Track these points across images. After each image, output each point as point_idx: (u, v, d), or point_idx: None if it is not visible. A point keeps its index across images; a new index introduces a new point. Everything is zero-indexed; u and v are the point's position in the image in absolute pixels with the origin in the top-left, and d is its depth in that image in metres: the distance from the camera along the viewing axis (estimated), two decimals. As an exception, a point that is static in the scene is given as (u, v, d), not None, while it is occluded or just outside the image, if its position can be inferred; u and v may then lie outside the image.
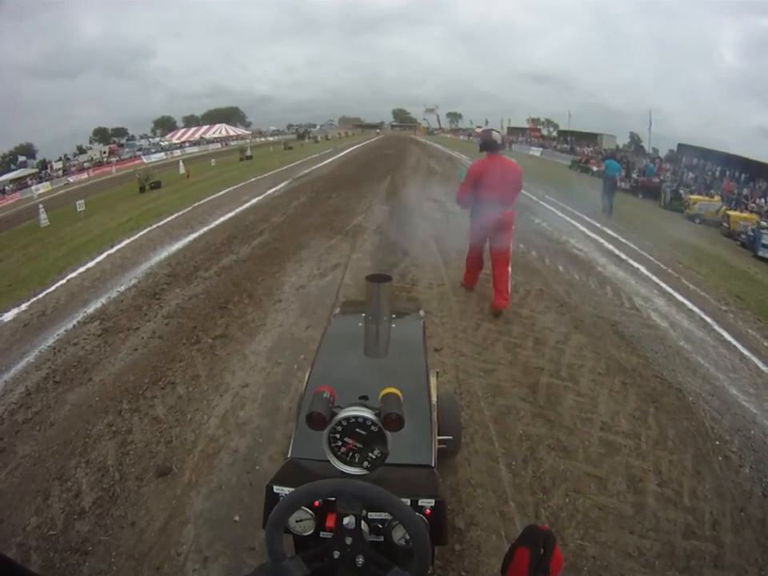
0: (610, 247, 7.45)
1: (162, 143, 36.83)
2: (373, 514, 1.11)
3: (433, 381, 1.91)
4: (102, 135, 36.91)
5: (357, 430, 1.11)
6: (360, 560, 0.99)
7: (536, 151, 30.81)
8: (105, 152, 34.66)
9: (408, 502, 1.12)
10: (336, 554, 1.00)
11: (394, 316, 2.23)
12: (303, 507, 1.12)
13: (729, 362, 4.01)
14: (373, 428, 1.10)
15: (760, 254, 8.42)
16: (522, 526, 1.03)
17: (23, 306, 5.41)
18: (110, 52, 43.24)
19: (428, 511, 1.15)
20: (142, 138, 38.15)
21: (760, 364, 3.99)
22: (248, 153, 25.02)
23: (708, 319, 4.86)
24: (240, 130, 41.91)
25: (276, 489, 1.23)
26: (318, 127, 45.20)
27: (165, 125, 40.23)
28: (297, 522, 1.15)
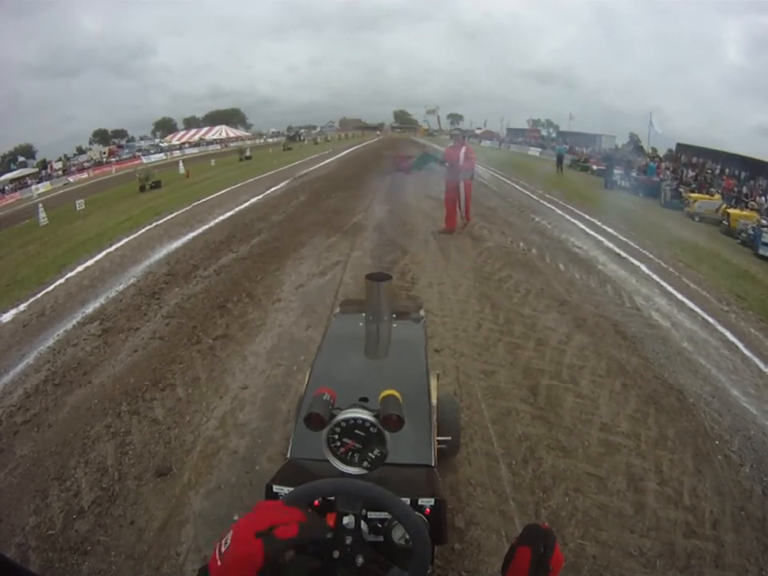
0: (611, 246, 7.48)
1: (161, 144, 36.78)
2: (372, 513, 1.10)
3: (433, 382, 1.90)
4: (101, 137, 36.88)
5: (356, 431, 1.10)
6: (360, 560, 0.99)
7: (535, 151, 30.83)
8: (104, 153, 34.64)
9: (408, 501, 1.11)
10: (335, 554, 0.99)
11: (394, 315, 2.22)
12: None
13: (730, 362, 3.99)
14: (372, 429, 1.10)
15: (761, 252, 8.41)
16: (522, 525, 1.03)
17: (22, 307, 5.40)
18: (111, 51, 43.13)
19: (428, 510, 1.15)
20: (141, 139, 38.11)
21: (762, 365, 3.97)
22: (247, 153, 25.07)
23: (710, 319, 4.85)
24: (240, 132, 41.82)
25: (275, 488, 1.23)
26: (318, 129, 45.07)
27: (165, 126, 40.15)
28: None
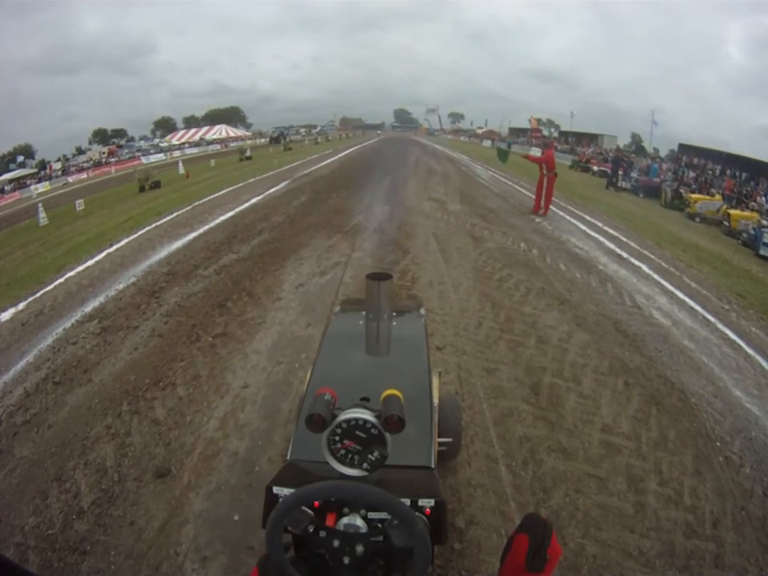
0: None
1: (161, 144, 36.71)
2: (372, 513, 1.10)
3: (435, 381, 1.89)
4: (101, 136, 36.81)
5: (357, 432, 1.10)
6: (359, 548, 0.99)
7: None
8: (104, 153, 34.59)
9: (408, 502, 1.11)
10: (335, 543, 1.00)
11: (394, 314, 2.22)
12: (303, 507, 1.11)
13: (733, 361, 3.99)
14: (373, 430, 1.09)
15: (761, 252, 8.39)
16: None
17: (20, 306, 5.39)
18: (112, 49, 42.95)
19: (428, 511, 1.14)
20: (141, 139, 38.05)
21: (765, 363, 3.96)
22: (247, 153, 25.03)
23: (711, 318, 4.84)
24: (240, 132, 41.73)
25: (275, 490, 1.22)
26: (318, 128, 44.96)
27: (165, 126, 40.09)
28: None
